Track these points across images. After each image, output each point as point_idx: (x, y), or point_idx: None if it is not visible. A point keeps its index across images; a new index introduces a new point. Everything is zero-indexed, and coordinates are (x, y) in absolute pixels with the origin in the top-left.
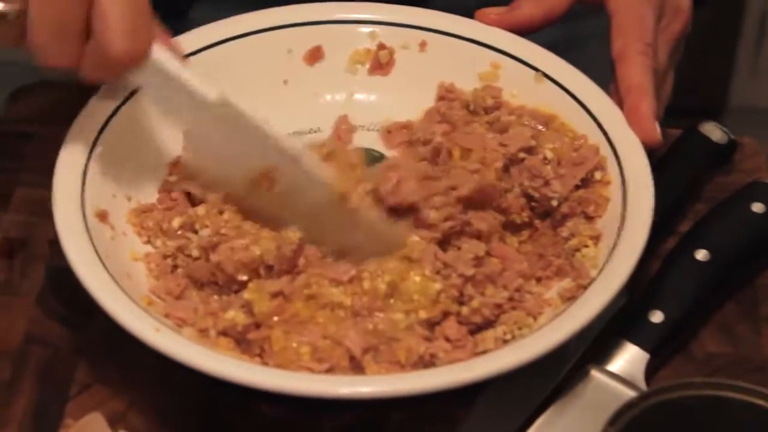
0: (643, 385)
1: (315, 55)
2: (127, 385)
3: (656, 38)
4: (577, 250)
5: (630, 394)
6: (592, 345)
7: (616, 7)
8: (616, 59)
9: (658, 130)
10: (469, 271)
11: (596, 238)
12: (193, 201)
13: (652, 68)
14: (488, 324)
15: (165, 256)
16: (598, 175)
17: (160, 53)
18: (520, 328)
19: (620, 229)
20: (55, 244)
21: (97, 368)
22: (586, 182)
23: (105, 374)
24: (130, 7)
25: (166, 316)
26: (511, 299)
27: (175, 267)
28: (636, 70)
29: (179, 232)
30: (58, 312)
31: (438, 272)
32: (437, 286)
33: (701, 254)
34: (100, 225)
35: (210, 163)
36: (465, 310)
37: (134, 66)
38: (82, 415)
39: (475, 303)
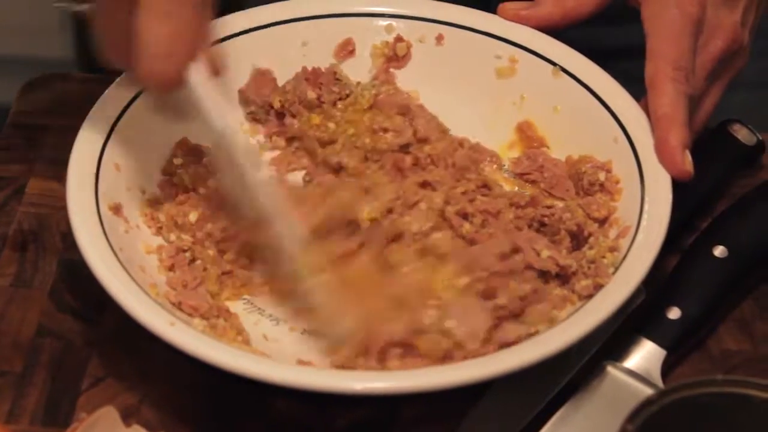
0: (659, 382)
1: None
2: (140, 378)
3: (692, 60)
4: (593, 262)
5: (646, 390)
6: (609, 341)
7: (651, 27)
8: (647, 85)
9: (689, 161)
10: (495, 267)
11: (614, 249)
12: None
13: (685, 94)
14: (514, 316)
15: (181, 250)
16: (602, 176)
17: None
18: (547, 321)
19: (637, 227)
20: (67, 237)
21: (109, 362)
22: (591, 187)
23: (117, 368)
24: (169, 28)
25: (179, 304)
26: (535, 292)
27: (192, 260)
28: (666, 99)
29: (195, 226)
30: (71, 305)
31: (466, 266)
32: (463, 281)
33: (719, 250)
34: (114, 218)
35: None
36: (490, 304)
37: (164, 89)
38: (94, 408)
39: (501, 299)
